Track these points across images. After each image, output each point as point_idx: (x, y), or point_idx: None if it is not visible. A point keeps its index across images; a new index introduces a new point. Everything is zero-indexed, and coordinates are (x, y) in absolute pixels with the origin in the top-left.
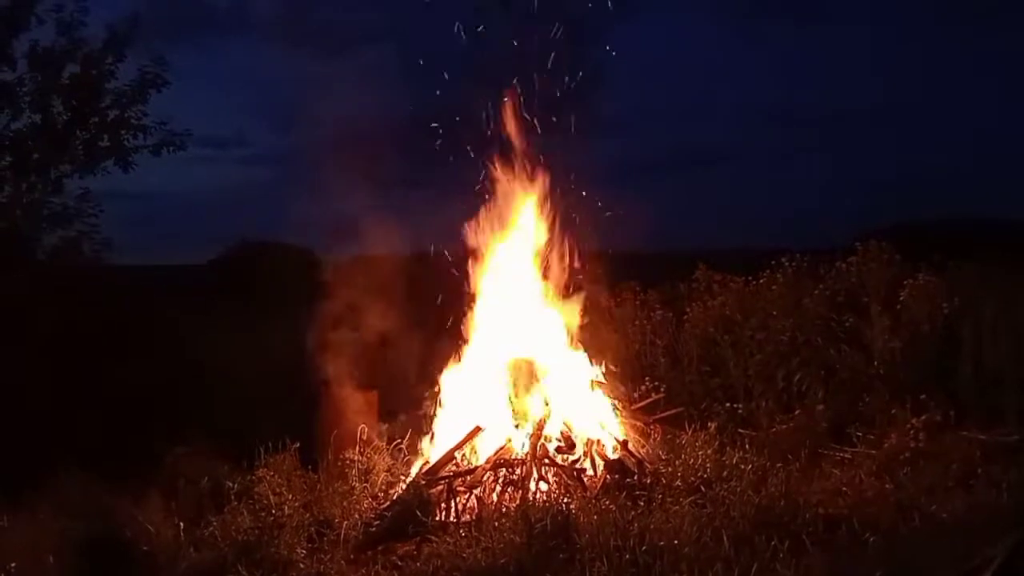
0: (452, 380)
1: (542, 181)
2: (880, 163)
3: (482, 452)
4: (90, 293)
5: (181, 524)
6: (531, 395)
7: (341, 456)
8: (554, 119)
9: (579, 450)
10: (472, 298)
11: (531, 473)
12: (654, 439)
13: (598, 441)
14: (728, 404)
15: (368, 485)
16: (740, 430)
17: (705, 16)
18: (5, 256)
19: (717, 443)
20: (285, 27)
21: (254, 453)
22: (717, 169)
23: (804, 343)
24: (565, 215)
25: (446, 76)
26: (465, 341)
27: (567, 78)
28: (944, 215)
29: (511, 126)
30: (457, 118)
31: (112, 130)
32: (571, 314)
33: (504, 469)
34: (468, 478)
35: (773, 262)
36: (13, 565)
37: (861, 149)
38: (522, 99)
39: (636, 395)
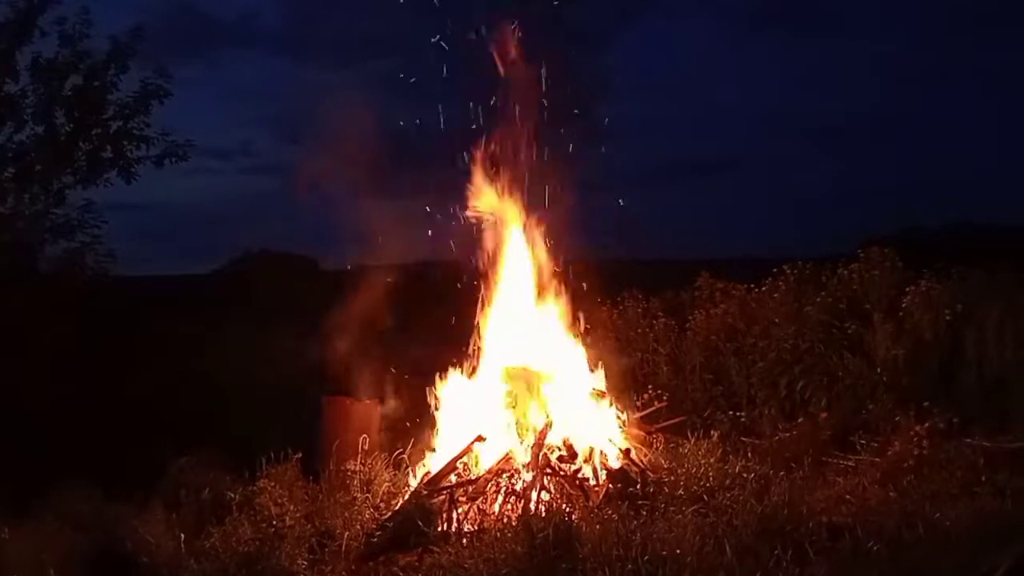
0: (454, 389)
1: (545, 191)
2: (883, 170)
3: (484, 462)
4: (93, 304)
5: (182, 536)
6: (533, 404)
7: (343, 467)
8: (557, 128)
9: (581, 459)
10: (474, 307)
11: (533, 483)
12: (657, 448)
13: (600, 450)
14: (731, 412)
15: (370, 495)
16: (743, 438)
17: (708, 25)
18: (8, 268)
19: (720, 451)
20: (291, 40)
21: (256, 464)
22: (719, 177)
23: (807, 350)
24: (567, 224)
25: (449, 87)
26: (467, 350)
27: (571, 87)
28: (947, 222)
29: (514, 135)
30: (460, 129)
31: (115, 141)
32: (573, 323)
33: (506, 479)
34: (470, 488)
35: (775, 269)
36: None
37: (864, 157)
38: (526, 108)
39: (639, 403)
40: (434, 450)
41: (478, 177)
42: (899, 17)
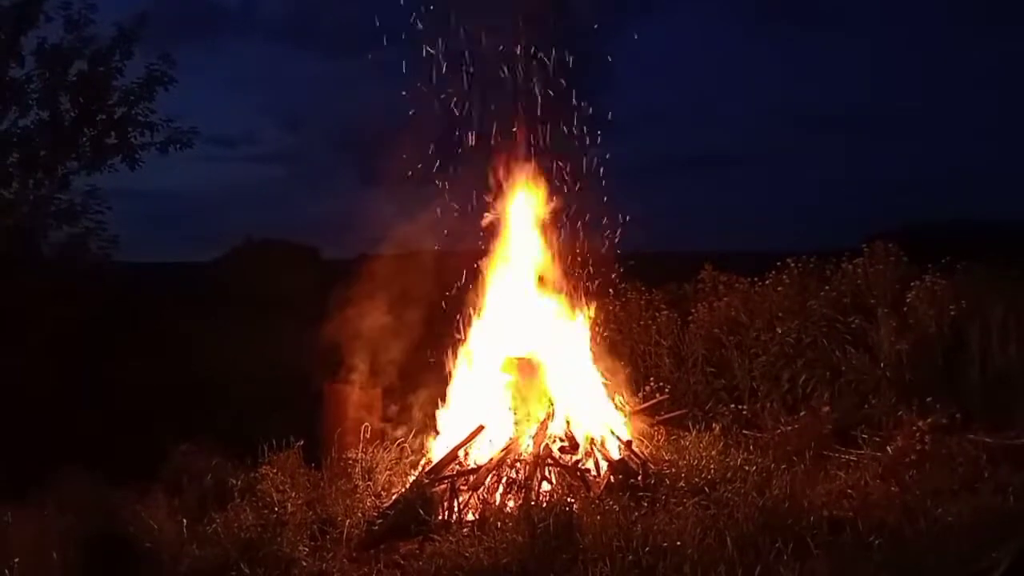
0: (456, 379)
1: (548, 182)
2: (888, 165)
3: (485, 451)
4: (96, 291)
5: (184, 521)
6: (535, 395)
7: (344, 454)
8: (561, 120)
9: (583, 450)
10: (478, 297)
11: (534, 473)
12: (658, 440)
13: (602, 441)
14: (733, 405)
15: (371, 483)
16: (745, 431)
17: (713, 19)
18: (12, 253)
19: (721, 444)
20: (295, 28)
21: (258, 451)
22: (724, 170)
23: (810, 344)
24: (571, 215)
25: (453, 77)
26: (470, 340)
27: (574, 80)
28: (952, 217)
29: (518, 127)
30: (463, 118)
31: (119, 127)
32: (576, 314)
33: (507, 469)
34: (471, 478)
35: (779, 263)
36: (17, 561)
37: (869, 151)
38: (529, 100)
39: (641, 396)
40: (436, 439)
41: (482, 168)
42: (904, 10)
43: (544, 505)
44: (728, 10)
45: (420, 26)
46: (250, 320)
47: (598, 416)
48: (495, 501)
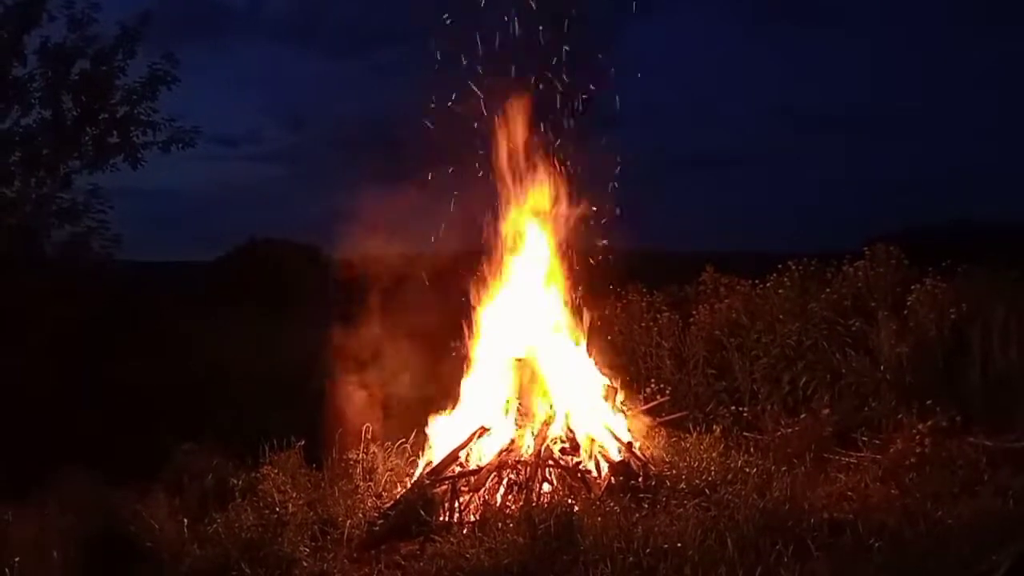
0: (458, 380)
1: (549, 181)
2: (888, 165)
3: (486, 452)
4: (97, 291)
5: (185, 521)
6: (536, 395)
7: (345, 454)
8: (562, 120)
9: (584, 451)
10: (479, 298)
11: (535, 474)
12: (659, 441)
13: (603, 443)
14: (733, 407)
15: (372, 484)
16: (745, 433)
17: (713, 19)
18: (14, 252)
19: (722, 446)
20: (299, 28)
21: (259, 451)
22: (725, 171)
23: (810, 347)
24: (572, 216)
25: (454, 77)
26: (471, 341)
27: (575, 79)
28: (953, 219)
29: (519, 127)
30: (466, 117)
31: (121, 126)
32: (577, 315)
33: (508, 470)
34: (472, 478)
35: (780, 265)
36: (18, 560)
37: (869, 151)
38: (530, 100)
39: (641, 397)
40: (437, 439)
41: (484, 168)
42: (904, 9)
43: (545, 506)
44: (728, 10)
45: (424, 25)
46: (251, 320)
47: (599, 417)
48: (496, 502)
